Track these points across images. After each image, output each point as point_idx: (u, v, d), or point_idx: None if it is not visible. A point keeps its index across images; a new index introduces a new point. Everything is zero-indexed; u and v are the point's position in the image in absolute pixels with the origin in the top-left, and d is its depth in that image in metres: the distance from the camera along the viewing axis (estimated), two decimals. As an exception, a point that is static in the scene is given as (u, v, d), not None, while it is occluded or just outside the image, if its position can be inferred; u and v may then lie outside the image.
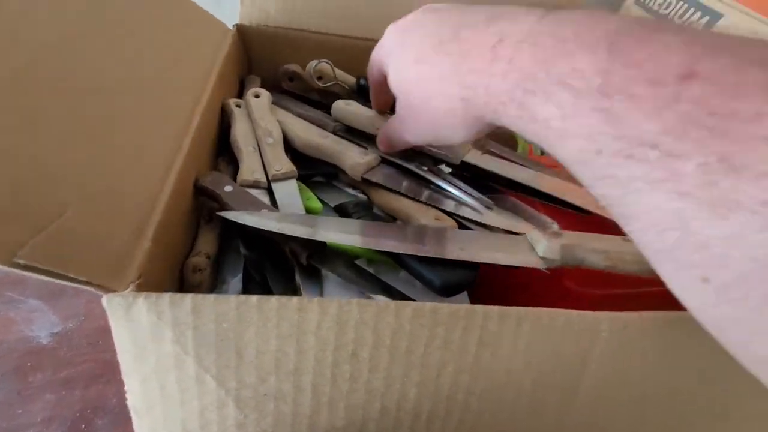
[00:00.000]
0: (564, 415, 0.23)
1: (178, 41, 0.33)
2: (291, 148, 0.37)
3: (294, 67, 0.43)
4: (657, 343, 0.22)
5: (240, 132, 0.33)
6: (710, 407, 0.28)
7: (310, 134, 0.35)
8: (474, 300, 0.36)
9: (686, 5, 0.62)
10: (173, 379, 0.19)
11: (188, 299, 0.17)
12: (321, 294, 0.27)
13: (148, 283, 0.19)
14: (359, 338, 0.19)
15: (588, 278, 0.27)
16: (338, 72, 0.41)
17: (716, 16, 0.57)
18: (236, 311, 0.17)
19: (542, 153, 0.47)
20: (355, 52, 0.45)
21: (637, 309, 0.28)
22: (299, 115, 0.40)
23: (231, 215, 0.26)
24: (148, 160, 0.24)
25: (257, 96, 0.36)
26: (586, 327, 0.21)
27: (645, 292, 0.28)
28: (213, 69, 0.34)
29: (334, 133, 0.38)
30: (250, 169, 0.31)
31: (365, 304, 0.18)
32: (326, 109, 0.45)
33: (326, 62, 0.40)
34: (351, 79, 0.42)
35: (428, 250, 0.24)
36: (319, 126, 0.39)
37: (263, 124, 0.34)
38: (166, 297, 0.16)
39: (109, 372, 0.37)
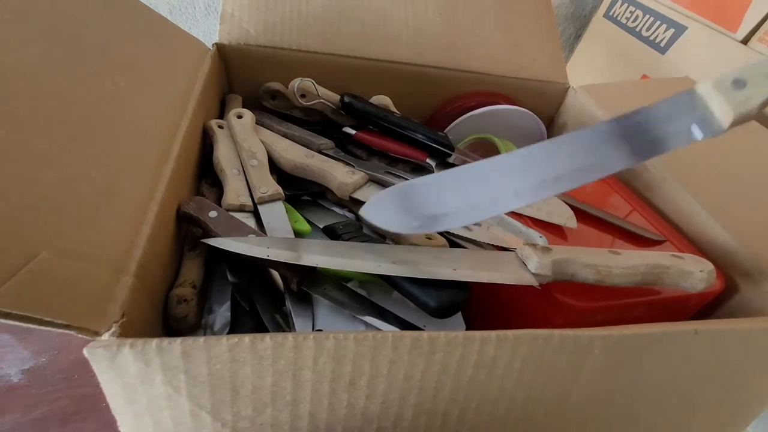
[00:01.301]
0: (554, 425, 0.24)
1: (155, 62, 0.32)
2: (276, 169, 0.37)
3: (276, 86, 0.43)
4: (646, 358, 0.23)
5: (223, 154, 0.33)
6: (703, 414, 0.29)
7: (295, 154, 0.35)
8: (465, 315, 0.36)
9: (652, 18, 0.65)
10: (168, 416, 0.18)
11: (177, 345, 0.16)
12: (312, 319, 0.26)
13: (132, 322, 0.19)
14: (357, 369, 0.19)
15: (578, 291, 0.27)
16: (321, 90, 0.41)
17: (681, 28, 0.60)
18: (229, 353, 0.17)
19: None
20: (336, 70, 0.45)
21: (625, 319, 0.28)
22: (283, 135, 0.39)
23: (217, 242, 0.25)
24: (126, 192, 0.23)
25: (240, 116, 0.36)
26: (580, 345, 0.21)
27: (632, 302, 0.28)
28: (193, 90, 0.33)
29: (320, 152, 0.38)
30: (235, 192, 0.31)
31: (362, 338, 0.18)
32: (310, 126, 0.45)
33: (309, 81, 0.40)
34: (334, 97, 0.42)
35: (421, 272, 0.24)
36: (304, 145, 0.38)
37: (247, 145, 0.33)
38: (153, 344, 0.16)
39: (86, 408, 0.35)
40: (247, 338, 0.17)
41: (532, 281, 0.24)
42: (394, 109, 0.43)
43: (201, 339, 0.16)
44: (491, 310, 0.34)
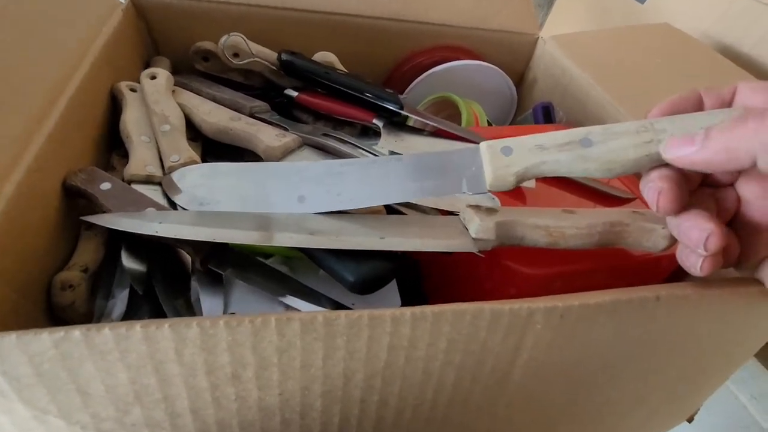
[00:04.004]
0: (494, 404, 0.21)
1: (41, 12, 0.27)
2: (202, 137, 0.33)
3: (207, 45, 0.38)
4: (598, 330, 0.19)
5: (130, 119, 0.29)
6: (662, 386, 0.26)
7: (219, 117, 0.31)
8: (421, 291, 0.33)
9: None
10: (7, 421, 0.15)
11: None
12: (225, 302, 0.23)
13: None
14: (237, 360, 0.15)
15: (532, 257, 0.24)
16: (255, 47, 0.37)
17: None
18: (56, 350, 0.13)
19: (489, 124, 0.44)
20: (277, 25, 0.41)
21: (588, 286, 0.25)
22: (212, 98, 0.35)
23: (101, 219, 0.21)
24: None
25: (153, 77, 0.31)
26: (517, 320, 0.18)
27: (593, 267, 0.25)
28: (91, 46, 0.29)
29: (251, 115, 0.34)
30: (141, 161, 0.27)
31: (236, 324, 0.14)
32: (250, 90, 0.41)
33: (239, 36, 0.36)
34: (271, 55, 0.37)
35: (340, 242, 0.20)
36: (235, 109, 0.34)
37: (159, 109, 0.29)
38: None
39: None
40: (77, 331, 0.13)
41: (471, 247, 0.21)
42: (340, 67, 0.39)
43: (13, 335, 0.13)
44: (449, 285, 0.31)
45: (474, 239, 0.22)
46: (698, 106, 0.21)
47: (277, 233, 0.21)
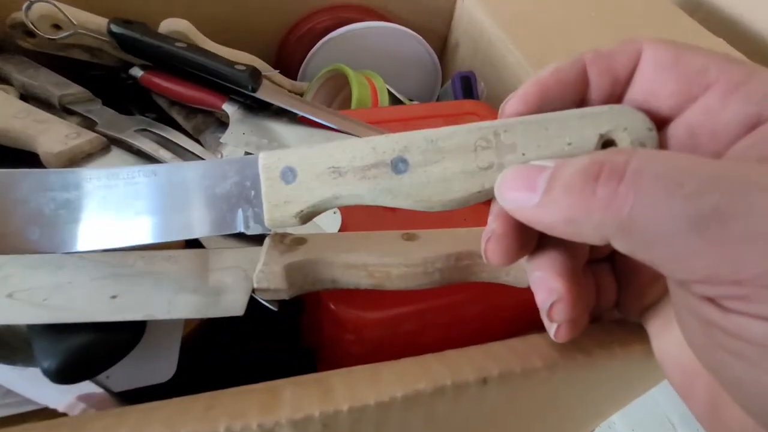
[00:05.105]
0: None
1: None
2: None
3: (23, 16, 0.30)
4: (415, 418, 0.14)
5: None
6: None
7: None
8: (298, 328, 0.27)
9: None
10: None
11: None
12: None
13: None
14: None
15: (371, 294, 0.18)
16: (82, 15, 0.29)
17: None
18: None
19: (399, 102, 0.37)
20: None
21: (451, 321, 0.19)
22: (20, 86, 0.28)
23: None
24: None
25: None
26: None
27: (448, 303, 0.19)
28: None
29: (62, 106, 0.27)
30: None
31: None
32: (99, 71, 0.33)
33: (48, 1, 0.28)
34: (99, 23, 0.30)
35: (44, 307, 0.14)
36: (41, 99, 0.27)
37: None
38: None
39: None
40: None
41: (238, 308, 0.15)
42: (194, 38, 0.31)
43: None
44: (315, 323, 0.25)
45: (257, 289, 0.15)
46: (582, 86, 0.14)
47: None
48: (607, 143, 0.13)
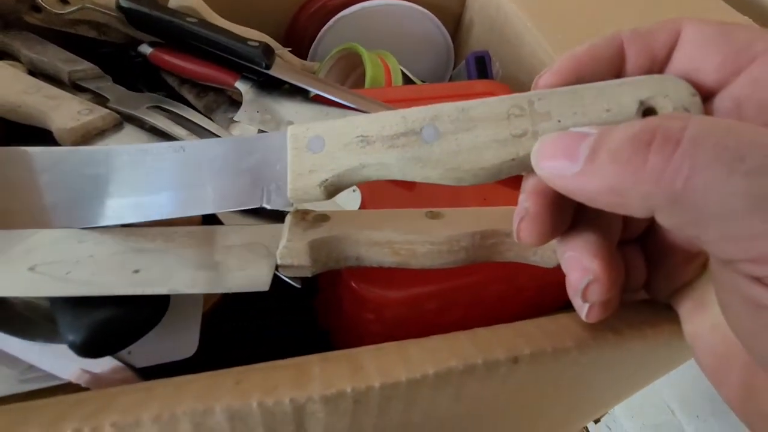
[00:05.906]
0: None
1: None
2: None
3: (29, -11, 0.30)
4: (441, 396, 0.14)
5: None
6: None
7: (9, 90, 0.23)
8: (313, 308, 0.26)
9: None
10: None
11: None
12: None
13: None
14: None
15: (392, 272, 0.18)
16: (87, -11, 0.28)
17: None
18: None
19: (411, 81, 0.36)
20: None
21: (474, 301, 0.19)
22: (29, 62, 0.27)
23: None
24: None
25: None
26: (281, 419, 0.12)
27: (473, 282, 0.19)
28: None
29: (72, 82, 0.26)
30: None
31: None
32: (108, 48, 0.33)
33: (55, -26, 0.27)
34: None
35: (67, 281, 0.14)
36: (50, 75, 0.27)
37: None
38: None
39: None
40: None
41: (262, 284, 0.15)
42: (204, 14, 0.30)
43: None
44: (332, 302, 0.25)
45: (280, 266, 0.15)
46: (618, 64, 0.13)
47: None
48: (647, 111, 0.12)
